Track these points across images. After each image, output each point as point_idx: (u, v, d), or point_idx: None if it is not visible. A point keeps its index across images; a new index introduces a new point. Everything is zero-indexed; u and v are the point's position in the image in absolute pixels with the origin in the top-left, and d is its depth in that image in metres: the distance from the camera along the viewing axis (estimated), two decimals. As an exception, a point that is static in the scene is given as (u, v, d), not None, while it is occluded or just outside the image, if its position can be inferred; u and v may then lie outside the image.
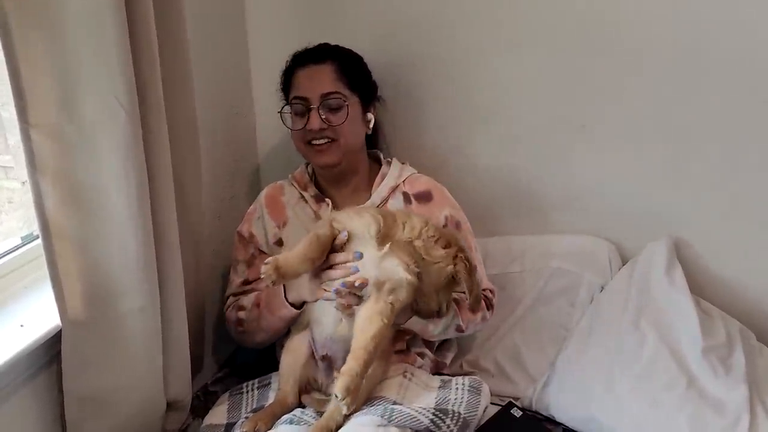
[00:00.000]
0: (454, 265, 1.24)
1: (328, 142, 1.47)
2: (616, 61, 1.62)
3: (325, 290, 1.30)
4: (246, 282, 1.56)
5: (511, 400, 1.60)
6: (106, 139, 1.09)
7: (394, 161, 1.59)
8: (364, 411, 1.29)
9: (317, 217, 1.52)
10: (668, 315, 1.59)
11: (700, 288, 1.70)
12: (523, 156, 1.78)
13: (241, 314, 1.50)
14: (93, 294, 1.17)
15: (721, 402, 1.45)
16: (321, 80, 1.47)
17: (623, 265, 1.74)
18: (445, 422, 1.33)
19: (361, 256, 1.27)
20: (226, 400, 1.50)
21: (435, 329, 1.45)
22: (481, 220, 1.70)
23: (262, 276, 1.20)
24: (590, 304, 1.70)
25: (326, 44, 1.55)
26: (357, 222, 1.26)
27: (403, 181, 1.54)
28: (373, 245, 1.25)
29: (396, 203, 1.51)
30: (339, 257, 1.29)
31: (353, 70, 1.51)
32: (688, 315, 1.58)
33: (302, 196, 1.57)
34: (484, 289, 1.51)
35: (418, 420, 1.30)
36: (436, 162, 1.77)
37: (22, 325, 1.21)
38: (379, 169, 1.58)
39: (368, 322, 1.21)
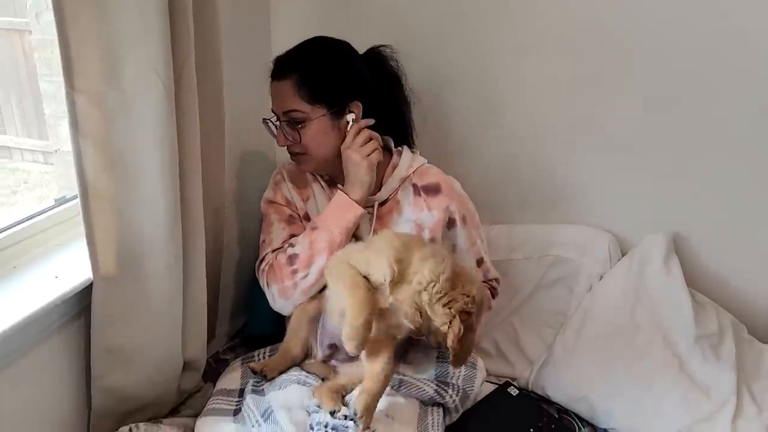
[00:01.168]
0: (449, 324, 1.18)
1: (300, 154, 1.45)
2: (621, 62, 1.68)
3: None
4: (292, 235, 1.49)
5: (509, 380, 1.68)
6: (144, 108, 1.17)
7: (405, 150, 1.55)
8: None
9: (330, 198, 1.49)
10: (663, 304, 1.65)
11: (695, 281, 1.76)
12: (529, 150, 1.83)
13: (291, 250, 1.43)
14: (123, 252, 1.24)
15: (710, 386, 1.52)
16: (282, 97, 1.41)
17: (622, 256, 1.80)
18: (447, 392, 1.41)
19: None
20: (239, 366, 1.54)
21: None
22: (486, 209, 1.74)
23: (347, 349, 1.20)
24: (588, 292, 1.76)
25: (293, 50, 1.45)
26: (373, 269, 1.22)
27: (413, 172, 1.51)
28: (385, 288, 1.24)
29: (406, 195, 1.50)
30: None
31: (316, 79, 1.40)
32: (682, 305, 1.65)
33: (316, 177, 1.55)
34: (489, 279, 1.55)
35: (423, 390, 1.39)
36: (445, 153, 1.81)
37: (56, 277, 1.29)
38: (390, 157, 1.54)
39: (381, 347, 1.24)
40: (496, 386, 1.61)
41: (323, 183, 1.55)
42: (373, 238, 1.35)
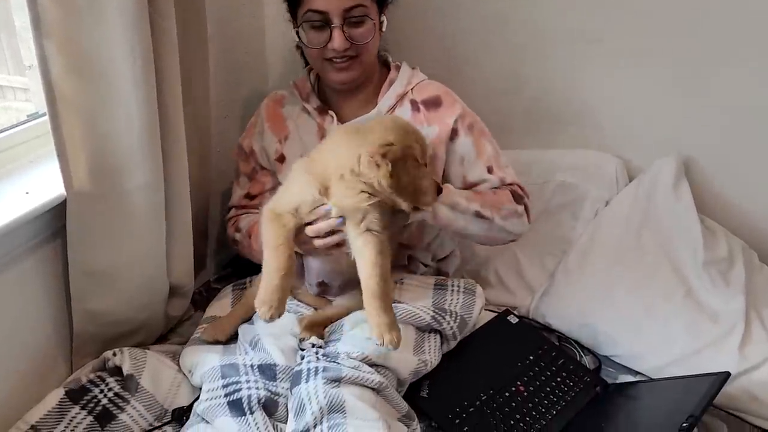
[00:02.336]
0: (378, 170, 1.10)
1: (349, 59, 1.35)
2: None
3: (312, 246, 1.23)
4: (248, 195, 1.52)
5: (509, 308, 1.62)
6: (112, 5, 1.07)
7: (404, 66, 1.47)
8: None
9: (321, 131, 1.43)
10: (671, 229, 1.60)
11: (706, 207, 1.70)
12: (534, 67, 1.74)
13: (237, 236, 1.48)
14: (98, 166, 1.17)
15: (718, 312, 1.47)
16: None
17: (630, 182, 1.74)
18: (445, 319, 1.36)
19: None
20: (230, 293, 1.51)
21: (454, 218, 1.33)
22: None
23: (259, 315, 1.12)
24: (594, 218, 1.70)
25: None
26: (297, 197, 1.17)
27: (412, 89, 1.43)
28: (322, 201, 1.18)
29: (403, 111, 1.43)
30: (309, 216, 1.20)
31: None
32: (691, 230, 1.59)
33: (305, 108, 1.47)
34: (510, 183, 1.44)
35: (419, 316, 1.33)
36: (446, 73, 1.69)
37: (27, 193, 1.22)
38: (388, 73, 1.46)
39: (369, 265, 1.15)
40: (496, 314, 1.56)
41: (312, 109, 1.46)
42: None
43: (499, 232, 1.39)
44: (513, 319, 1.57)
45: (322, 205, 1.17)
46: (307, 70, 1.51)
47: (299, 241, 1.21)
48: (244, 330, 1.34)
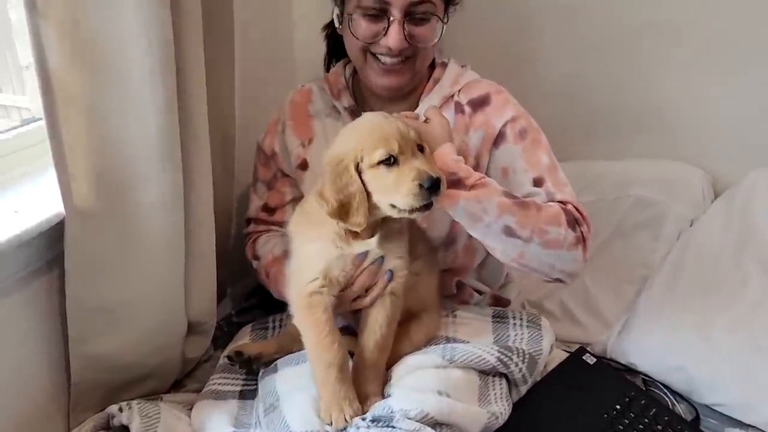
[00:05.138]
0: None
1: (402, 61, 1.19)
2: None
3: (363, 305, 1.11)
4: (266, 207, 1.36)
5: (582, 345, 1.43)
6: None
7: (452, 63, 1.29)
8: (421, 350, 1.12)
9: None
10: (777, 252, 1.43)
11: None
12: (601, 66, 1.62)
13: (254, 263, 1.35)
14: (105, 179, 1.01)
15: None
16: None
17: (715, 198, 1.61)
18: (512, 360, 1.17)
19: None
20: (248, 333, 1.35)
21: (473, 228, 1.11)
22: (549, 142, 1.50)
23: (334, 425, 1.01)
24: (678, 240, 1.56)
25: None
26: (318, 261, 1.05)
27: (459, 90, 1.26)
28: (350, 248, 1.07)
29: (447, 117, 1.20)
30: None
31: None
32: (800, 251, 1.42)
33: (335, 107, 1.30)
34: (562, 202, 1.22)
35: (483, 359, 1.14)
36: (501, 73, 1.52)
37: (16, 211, 1.05)
38: (432, 72, 1.29)
39: (369, 328, 1.08)
40: (568, 354, 1.38)
41: (343, 109, 1.28)
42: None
43: (538, 262, 1.14)
44: (590, 359, 1.37)
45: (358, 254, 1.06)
46: (343, 63, 1.32)
47: (344, 309, 1.11)
48: (264, 386, 1.15)
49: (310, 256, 1.05)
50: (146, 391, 1.23)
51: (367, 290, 1.08)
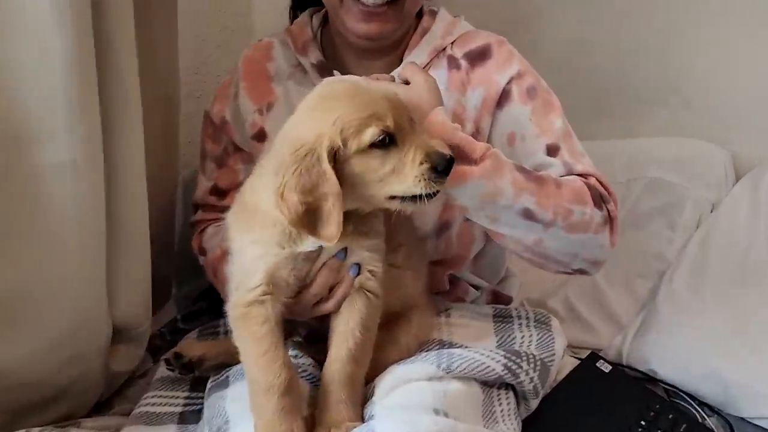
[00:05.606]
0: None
1: (388, 2, 1.02)
2: None
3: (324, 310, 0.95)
4: (216, 189, 1.19)
5: (594, 351, 1.30)
6: None
7: (442, 11, 1.14)
8: (411, 358, 0.96)
9: None
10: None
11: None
12: (610, 31, 1.50)
13: (201, 259, 1.20)
14: None
15: None
16: None
17: (737, 180, 1.49)
18: (522, 367, 1.00)
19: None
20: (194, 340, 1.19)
21: (482, 209, 0.94)
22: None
23: None
24: (699, 227, 1.44)
25: None
26: (263, 262, 0.86)
27: (453, 43, 1.10)
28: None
29: (438, 73, 1.06)
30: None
31: None
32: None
33: (300, 64, 1.13)
34: (583, 175, 1.05)
35: (487, 367, 0.97)
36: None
37: None
38: (419, 21, 1.13)
39: (340, 336, 0.91)
40: (579, 361, 1.24)
41: (310, 65, 1.11)
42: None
43: (558, 251, 1.00)
44: (604, 367, 1.26)
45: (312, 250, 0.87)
46: (309, 13, 1.15)
47: (299, 313, 0.94)
48: (213, 403, 0.97)
49: (250, 259, 0.87)
50: (59, 416, 1.05)
51: (331, 290, 0.90)
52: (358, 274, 0.89)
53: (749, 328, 1.23)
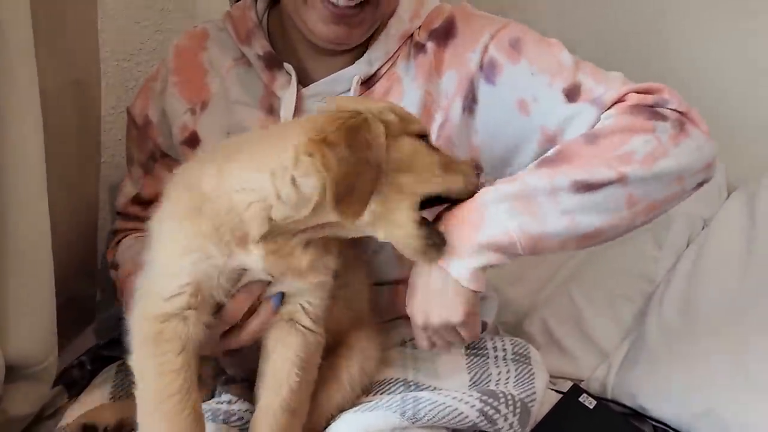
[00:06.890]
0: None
1: (360, 3, 0.88)
2: None
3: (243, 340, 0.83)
4: (138, 199, 1.06)
5: (576, 383, 1.23)
6: None
7: None
8: (370, 405, 0.85)
9: (269, 97, 0.95)
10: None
11: None
12: (591, 23, 1.41)
13: (112, 273, 1.06)
14: None
15: None
16: None
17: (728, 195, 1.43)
18: (499, 411, 0.88)
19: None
20: (111, 380, 1.01)
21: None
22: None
23: None
24: (688, 247, 1.36)
25: None
26: (193, 267, 0.70)
27: (419, 27, 0.96)
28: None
29: (406, 65, 0.94)
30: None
31: None
32: None
33: (243, 56, 0.98)
34: (619, 100, 0.86)
35: (460, 413, 0.86)
36: None
37: None
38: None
39: (275, 381, 0.77)
40: (560, 394, 1.18)
41: (255, 58, 0.95)
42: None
43: (661, 192, 0.81)
44: (588, 401, 1.19)
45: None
46: None
47: (211, 350, 0.80)
48: None
49: (174, 261, 0.69)
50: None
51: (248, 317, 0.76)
52: (281, 304, 0.76)
53: (748, 359, 1.14)
